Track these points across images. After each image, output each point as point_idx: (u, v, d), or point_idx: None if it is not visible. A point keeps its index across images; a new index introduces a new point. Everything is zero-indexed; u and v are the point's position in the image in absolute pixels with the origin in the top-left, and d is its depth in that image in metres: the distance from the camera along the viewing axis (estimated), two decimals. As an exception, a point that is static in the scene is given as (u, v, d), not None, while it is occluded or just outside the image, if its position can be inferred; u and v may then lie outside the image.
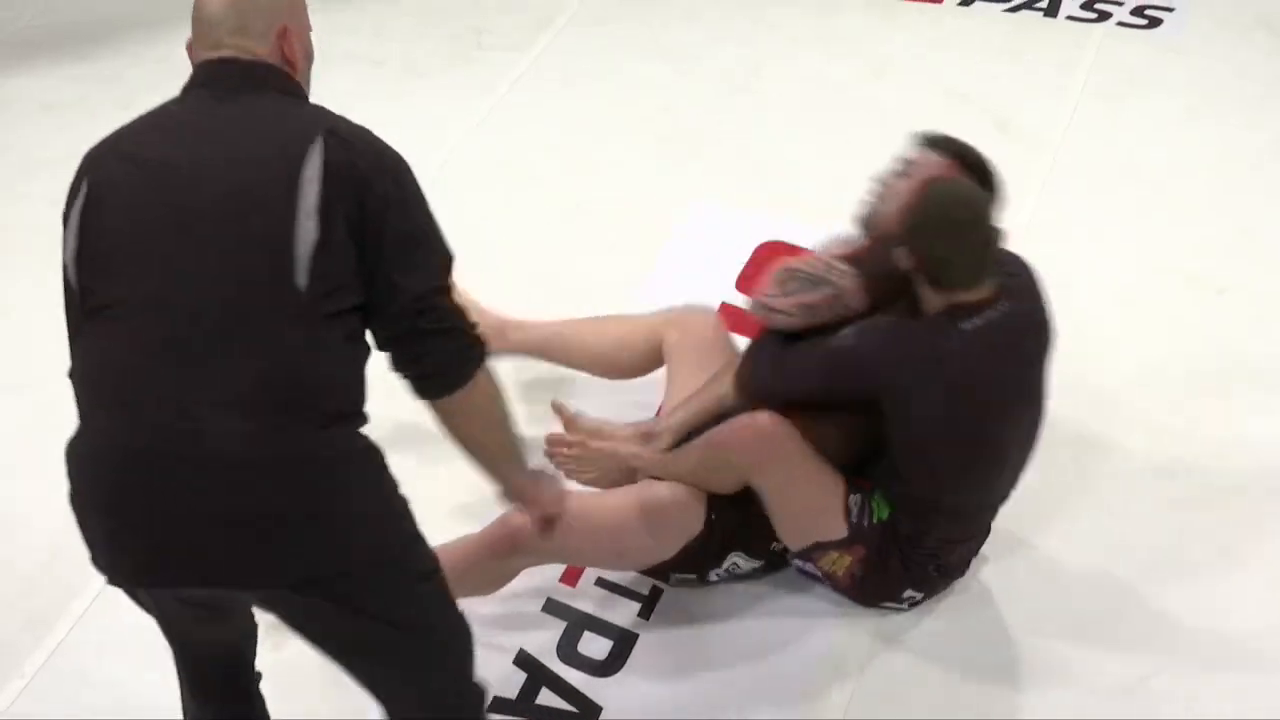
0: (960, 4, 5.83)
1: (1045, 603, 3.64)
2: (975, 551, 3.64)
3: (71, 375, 2.60)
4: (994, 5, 5.81)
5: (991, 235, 3.29)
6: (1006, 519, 3.60)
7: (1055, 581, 3.68)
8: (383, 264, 2.56)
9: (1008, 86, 5.38)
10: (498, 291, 4.42)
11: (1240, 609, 3.61)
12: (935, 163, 3.44)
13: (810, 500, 3.49)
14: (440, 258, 2.67)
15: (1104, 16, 5.73)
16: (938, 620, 3.61)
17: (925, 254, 3.28)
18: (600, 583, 3.70)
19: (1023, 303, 3.37)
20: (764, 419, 3.43)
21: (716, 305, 4.28)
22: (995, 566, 3.70)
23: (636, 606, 3.66)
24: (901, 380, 3.31)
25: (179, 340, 2.47)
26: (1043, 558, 3.74)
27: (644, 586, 3.68)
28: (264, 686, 3.04)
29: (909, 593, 3.59)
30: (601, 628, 3.61)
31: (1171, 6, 5.78)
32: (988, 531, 3.62)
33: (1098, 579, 3.68)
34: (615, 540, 3.51)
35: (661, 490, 3.51)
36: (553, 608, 3.65)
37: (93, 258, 2.56)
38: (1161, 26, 5.68)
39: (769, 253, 4.56)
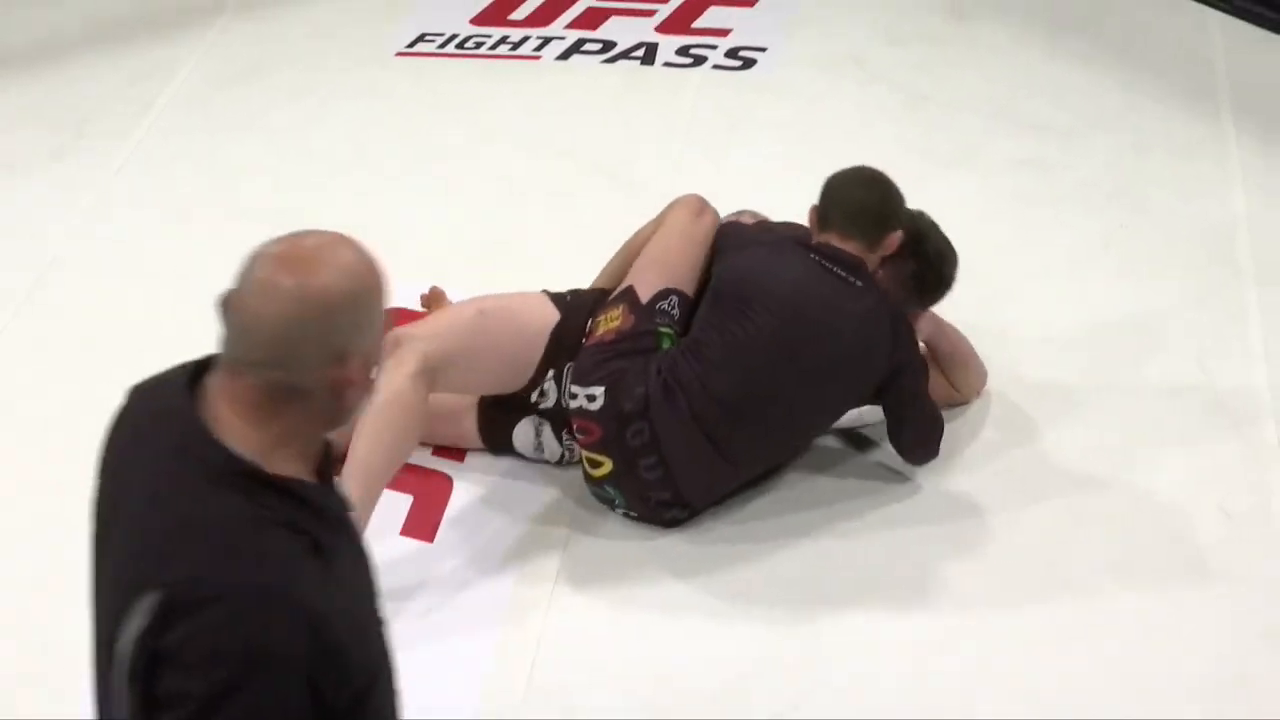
0: (559, 59, 5.90)
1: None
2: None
3: None
4: (591, 58, 5.89)
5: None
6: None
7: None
8: None
9: (614, 138, 5.46)
10: (113, 389, 4.33)
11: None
12: None
13: (667, 261, 4.02)
14: None
15: (700, 61, 5.85)
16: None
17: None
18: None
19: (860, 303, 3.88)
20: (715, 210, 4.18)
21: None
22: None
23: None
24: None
25: None
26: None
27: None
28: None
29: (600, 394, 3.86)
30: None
31: (764, 46, 5.92)
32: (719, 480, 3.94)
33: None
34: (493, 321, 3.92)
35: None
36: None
37: None
38: (755, 67, 5.82)
39: (390, 320, 4.54)
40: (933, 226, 4.14)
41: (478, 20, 6.12)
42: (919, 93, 5.66)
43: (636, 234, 4.23)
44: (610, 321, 3.94)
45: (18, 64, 5.90)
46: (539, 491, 4.07)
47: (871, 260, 3.96)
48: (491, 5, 6.21)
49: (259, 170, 5.33)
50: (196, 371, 2.21)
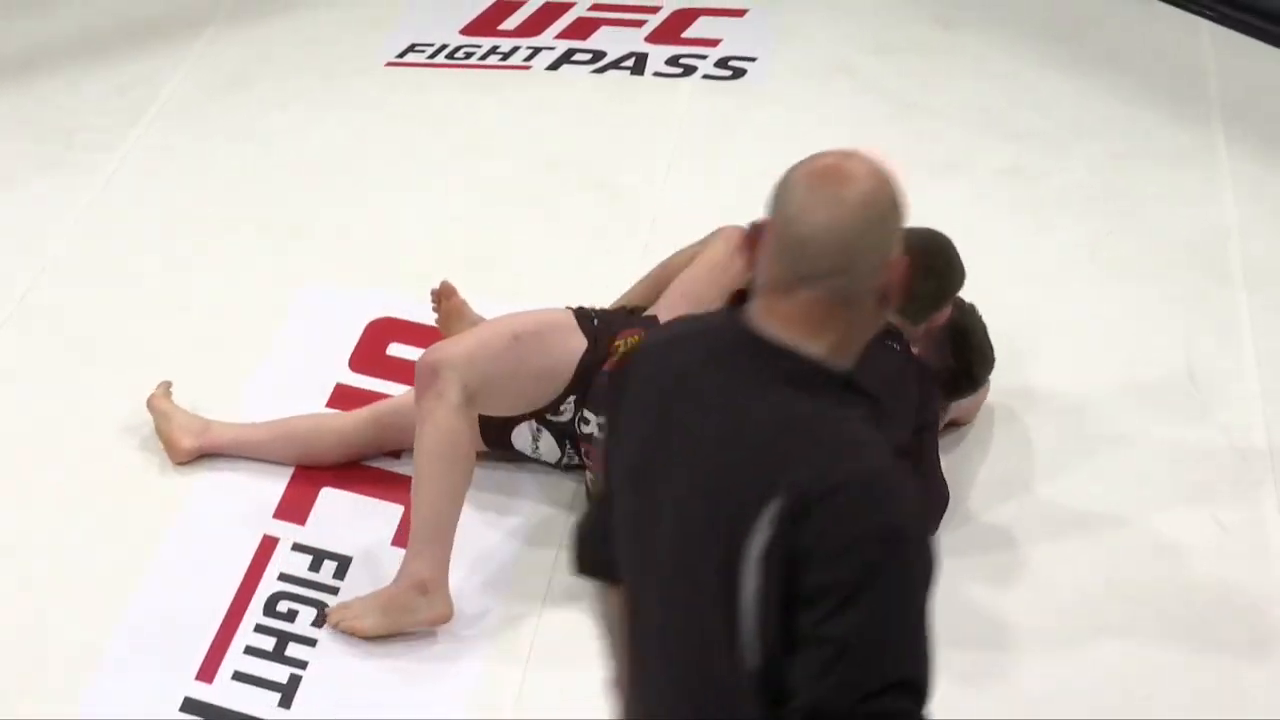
0: (549, 69, 5.90)
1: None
2: None
3: None
4: (581, 68, 5.89)
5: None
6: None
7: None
8: None
9: (603, 147, 5.46)
10: (107, 399, 4.34)
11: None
12: None
13: (695, 294, 4.00)
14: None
15: (690, 71, 5.85)
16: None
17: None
18: (237, 676, 3.64)
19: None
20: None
21: (331, 386, 4.26)
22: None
23: (275, 697, 3.62)
24: None
25: None
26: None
27: (282, 676, 3.63)
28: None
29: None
30: (239, 721, 3.56)
31: (754, 56, 5.93)
32: None
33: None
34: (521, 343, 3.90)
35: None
36: (192, 707, 3.58)
37: None
38: (746, 77, 5.82)
39: (381, 330, 4.56)
40: (977, 322, 4.12)
41: (468, 30, 6.12)
42: (908, 101, 5.66)
43: (674, 255, 4.23)
44: (629, 345, 3.91)
45: (6, 74, 5.88)
46: (532, 505, 4.07)
47: (913, 334, 3.89)
48: (481, 15, 6.21)
49: (249, 180, 5.32)
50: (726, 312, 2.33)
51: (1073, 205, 5.14)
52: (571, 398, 3.96)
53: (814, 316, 2.17)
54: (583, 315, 4.05)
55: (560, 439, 4.03)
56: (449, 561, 3.73)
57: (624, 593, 2.35)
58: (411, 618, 3.69)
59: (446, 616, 3.71)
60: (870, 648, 2.03)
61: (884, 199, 2.20)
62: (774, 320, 2.18)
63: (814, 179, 2.24)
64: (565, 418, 3.99)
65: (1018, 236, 5.01)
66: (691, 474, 2.18)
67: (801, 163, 2.28)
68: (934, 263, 3.87)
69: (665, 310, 4.00)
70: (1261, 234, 4.97)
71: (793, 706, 2.05)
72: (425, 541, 3.71)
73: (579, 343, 3.97)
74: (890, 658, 2.04)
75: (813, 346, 2.16)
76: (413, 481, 3.78)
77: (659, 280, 4.19)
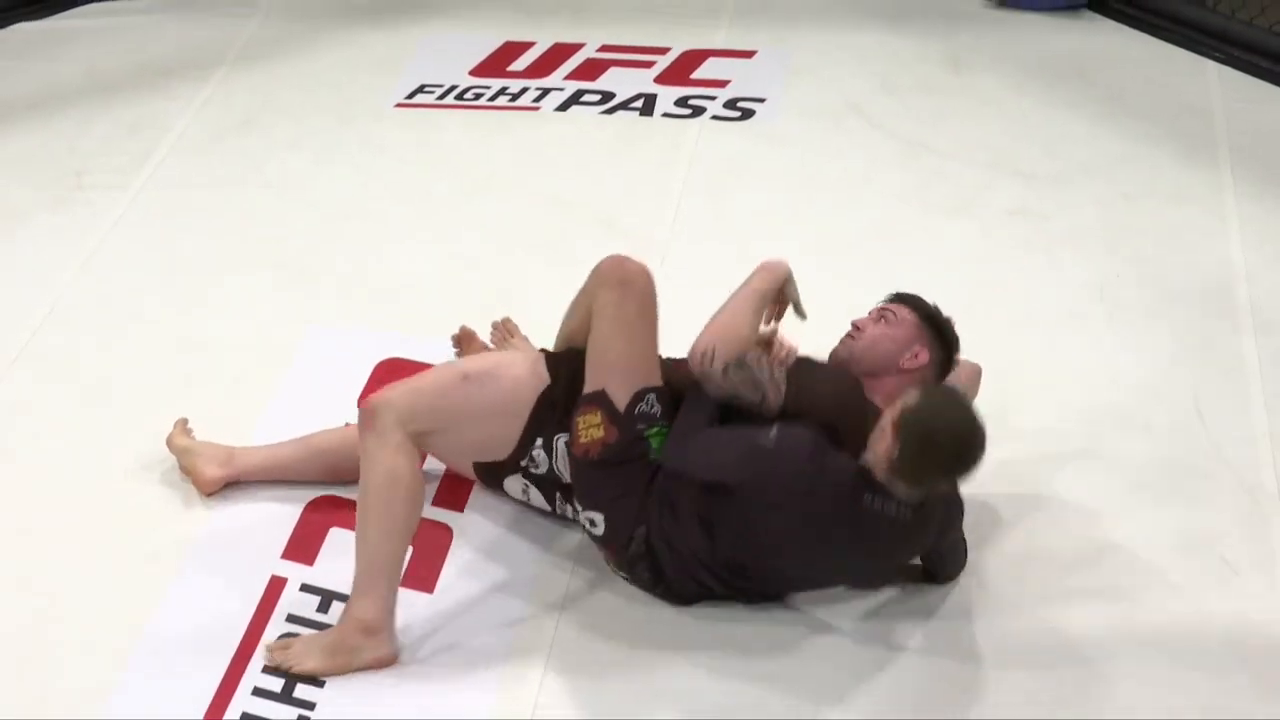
0: (558, 109, 5.92)
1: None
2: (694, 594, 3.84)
3: None
4: (590, 108, 5.91)
5: (958, 476, 3.65)
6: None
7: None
8: None
9: (611, 188, 5.47)
10: (116, 438, 4.34)
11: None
12: (910, 320, 3.92)
13: (620, 364, 3.76)
14: None
15: (698, 112, 5.87)
16: None
17: (911, 451, 3.54)
18: (245, 719, 3.65)
19: (905, 537, 3.71)
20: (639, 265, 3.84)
21: (341, 428, 4.26)
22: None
23: None
24: (783, 501, 3.63)
25: None
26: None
27: (290, 716, 3.64)
28: None
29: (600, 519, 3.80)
30: None
31: (763, 97, 5.95)
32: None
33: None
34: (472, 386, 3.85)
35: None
36: None
37: None
38: (755, 117, 5.84)
39: (389, 371, 4.55)
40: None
41: (477, 71, 6.15)
42: (916, 141, 5.67)
43: (574, 302, 4.06)
44: (591, 430, 3.77)
45: (17, 114, 5.91)
46: (539, 543, 4.06)
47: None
48: (491, 56, 6.24)
49: (258, 222, 5.33)
50: None
51: (1081, 245, 5.14)
52: (538, 441, 3.92)
53: None
54: (552, 357, 4.02)
55: (549, 492, 3.99)
56: (394, 601, 3.72)
57: None
58: (356, 659, 3.68)
59: (391, 659, 3.70)
60: None
61: None
62: None
63: None
64: (542, 468, 3.94)
65: (1026, 276, 5.01)
66: None
67: None
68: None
69: (609, 385, 3.79)
70: (1268, 274, 4.97)
71: None
72: (368, 582, 3.70)
73: (535, 380, 3.94)
74: None
75: None
76: (356, 523, 3.76)
77: (578, 324, 4.02)
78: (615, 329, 3.80)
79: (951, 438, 3.58)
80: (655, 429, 3.77)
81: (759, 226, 5.17)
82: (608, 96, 5.97)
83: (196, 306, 4.92)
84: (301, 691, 3.67)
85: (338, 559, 3.96)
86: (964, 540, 3.93)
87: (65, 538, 4.09)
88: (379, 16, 6.56)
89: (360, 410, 3.84)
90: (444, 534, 4.08)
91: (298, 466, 4.18)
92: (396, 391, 3.87)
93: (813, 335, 4.00)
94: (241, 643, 3.79)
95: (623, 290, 3.81)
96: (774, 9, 6.56)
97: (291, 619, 3.85)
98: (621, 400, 3.76)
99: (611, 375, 3.79)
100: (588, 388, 3.81)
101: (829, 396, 3.80)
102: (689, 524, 3.72)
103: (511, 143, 5.73)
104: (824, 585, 3.86)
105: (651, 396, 3.77)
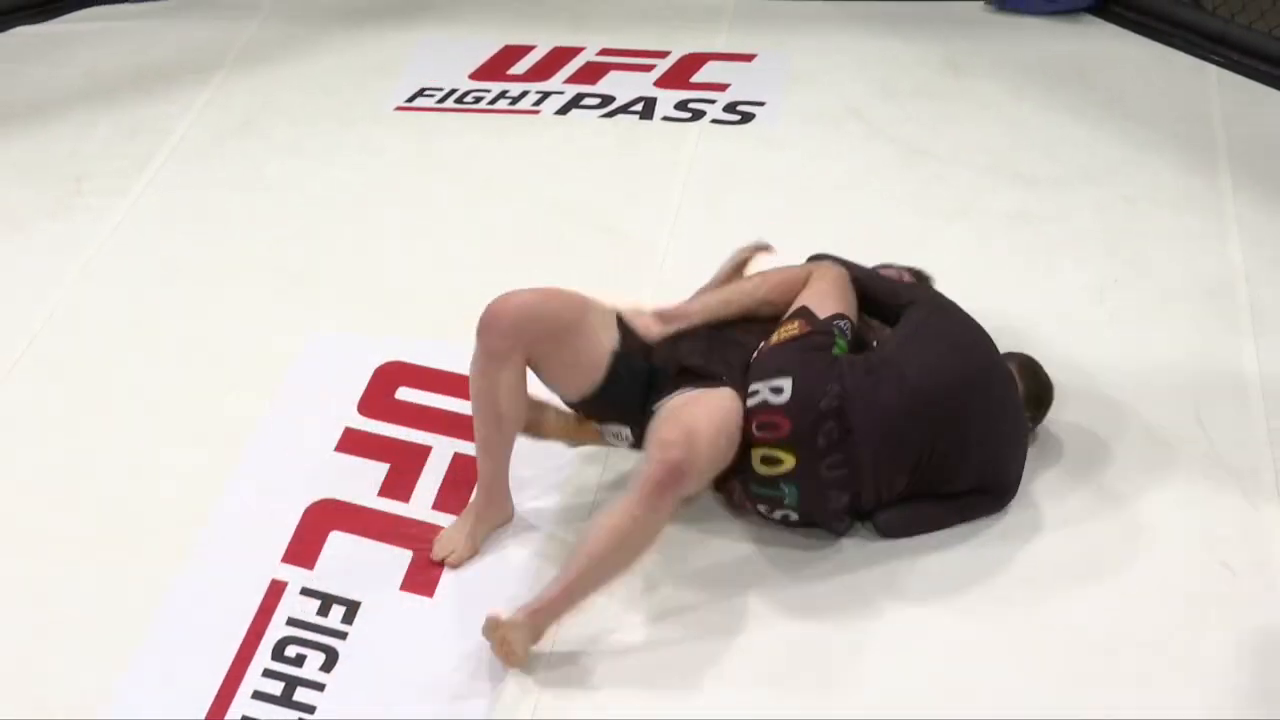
0: (558, 113, 5.92)
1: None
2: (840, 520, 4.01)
3: None
4: (590, 112, 5.91)
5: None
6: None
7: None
8: None
9: (611, 192, 5.47)
10: (115, 444, 4.34)
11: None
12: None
13: (833, 295, 4.09)
14: None
15: (698, 115, 5.87)
16: None
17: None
18: None
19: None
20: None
21: (340, 431, 4.26)
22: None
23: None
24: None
25: None
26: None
27: (293, 725, 3.64)
28: None
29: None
30: None
31: (763, 101, 5.94)
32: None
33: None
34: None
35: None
36: None
37: None
38: (754, 121, 5.83)
39: (389, 375, 4.56)
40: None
41: (477, 75, 6.15)
42: (916, 146, 5.67)
43: (740, 285, 4.27)
44: (786, 333, 3.99)
45: (15, 119, 5.91)
46: (539, 548, 4.06)
47: None
48: (491, 60, 6.23)
49: (258, 225, 5.34)
50: None
51: (1081, 248, 5.14)
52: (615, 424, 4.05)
53: None
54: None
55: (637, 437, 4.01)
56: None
57: None
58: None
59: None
60: None
61: None
62: None
63: None
64: (625, 443, 4.08)
65: (1025, 281, 5.01)
66: None
67: None
68: None
69: (813, 305, 4.07)
70: (1268, 279, 4.97)
71: None
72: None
73: (611, 337, 4.03)
74: None
75: None
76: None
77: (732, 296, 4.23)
78: (831, 286, 4.12)
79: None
80: (841, 339, 3.98)
81: (759, 230, 5.15)
82: (608, 100, 5.97)
83: (196, 310, 4.92)
84: (301, 695, 3.68)
85: (338, 563, 3.96)
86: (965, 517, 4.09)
87: (66, 541, 4.09)
88: (379, 19, 6.56)
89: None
90: (444, 537, 4.09)
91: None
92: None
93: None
94: (241, 646, 3.79)
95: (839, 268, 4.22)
96: (774, 13, 6.56)
97: (292, 622, 3.86)
98: (822, 314, 4.03)
99: (819, 300, 4.05)
100: (794, 307, 4.08)
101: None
102: (889, 384, 3.90)
103: (511, 146, 5.73)
104: (972, 453, 4.03)
105: (846, 323, 4.02)
